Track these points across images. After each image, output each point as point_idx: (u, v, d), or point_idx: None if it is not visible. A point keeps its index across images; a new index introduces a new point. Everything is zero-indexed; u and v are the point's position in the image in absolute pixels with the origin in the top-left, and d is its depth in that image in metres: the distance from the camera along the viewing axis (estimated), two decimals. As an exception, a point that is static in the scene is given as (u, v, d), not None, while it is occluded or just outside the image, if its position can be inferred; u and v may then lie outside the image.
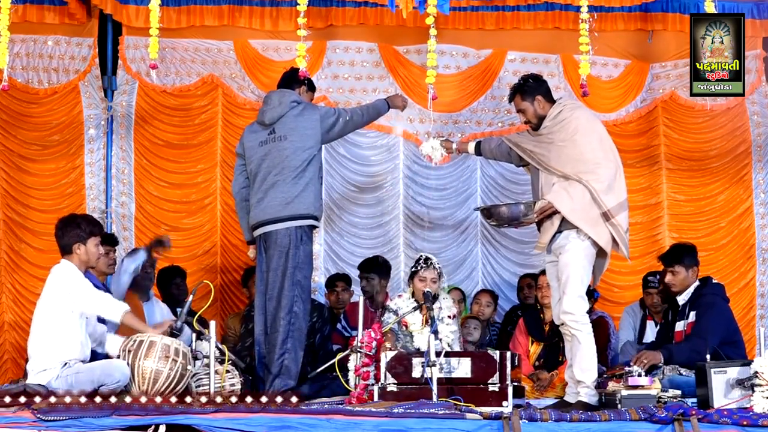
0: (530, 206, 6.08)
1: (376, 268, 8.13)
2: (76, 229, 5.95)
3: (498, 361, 5.92)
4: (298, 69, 6.59)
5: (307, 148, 6.44)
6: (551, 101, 6.17)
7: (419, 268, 6.91)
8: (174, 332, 5.96)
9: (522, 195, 8.54)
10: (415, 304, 6.87)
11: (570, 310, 5.90)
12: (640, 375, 5.69)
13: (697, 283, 6.64)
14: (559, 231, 5.99)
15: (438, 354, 5.75)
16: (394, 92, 9.05)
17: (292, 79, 6.68)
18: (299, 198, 6.38)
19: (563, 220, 5.96)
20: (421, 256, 7.02)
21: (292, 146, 6.42)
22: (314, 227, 6.55)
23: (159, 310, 7.35)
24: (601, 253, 6.03)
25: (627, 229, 6.01)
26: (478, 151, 6.66)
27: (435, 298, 6.78)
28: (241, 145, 6.75)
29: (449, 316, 6.90)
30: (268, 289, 6.40)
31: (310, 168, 6.43)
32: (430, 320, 6.44)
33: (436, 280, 6.88)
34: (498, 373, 5.89)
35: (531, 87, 6.17)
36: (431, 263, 6.90)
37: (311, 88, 6.83)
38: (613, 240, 5.97)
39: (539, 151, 6.10)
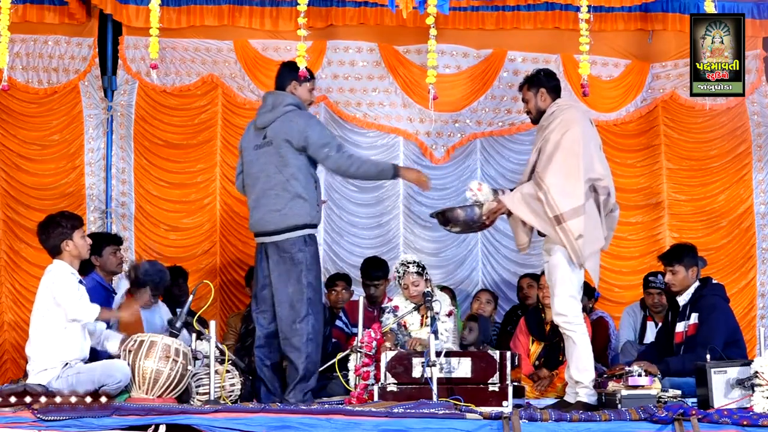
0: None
1: (382, 272, 8.10)
2: (58, 227, 5.94)
3: (498, 361, 5.92)
4: (289, 63, 6.47)
5: (293, 155, 6.23)
6: (554, 98, 6.17)
7: (399, 277, 6.94)
8: (173, 333, 5.97)
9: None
10: (413, 305, 6.88)
11: (561, 312, 5.87)
12: (640, 375, 5.68)
13: (697, 283, 6.63)
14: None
15: (438, 354, 5.75)
16: (394, 92, 9.07)
17: (283, 77, 6.48)
18: (292, 209, 6.21)
19: None
20: (397, 263, 7.03)
21: (278, 153, 6.24)
22: (313, 234, 6.39)
23: (159, 314, 7.32)
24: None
25: (581, 234, 5.78)
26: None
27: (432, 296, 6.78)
28: (241, 143, 6.64)
29: (447, 314, 6.90)
30: (276, 294, 6.27)
31: (300, 177, 6.23)
32: (430, 320, 6.44)
33: (418, 282, 6.88)
34: (498, 373, 5.89)
35: (539, 79, 6.19)
36: (407, 269, 6.90)
37: (309, 78, 6.51)
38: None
39: (532, 158, 6.14)
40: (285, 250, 6.24)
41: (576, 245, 5.79)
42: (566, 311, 5.86)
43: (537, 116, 6.18)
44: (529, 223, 5.93)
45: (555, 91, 6.19)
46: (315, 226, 6.36)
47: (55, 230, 5.94)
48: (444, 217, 6.13)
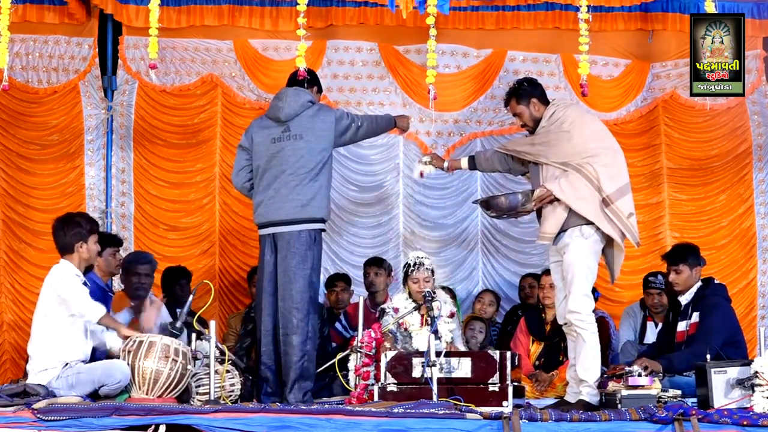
0: (528, 195, 6.11)
1: (383, 262, 8.15)
2: (77, 227, 5.94)
3: (498, 361, 5.91)
4: (310, 71, 6.55)
5: (321, 149, 6.35)
6: (546, 103, 6.20)
7: (411, 269, 6.92)
8: (173, 333, 5.96)
9: (523, 194, 8.54)
10: (414, 305, 6.87)
11: (576, 309, 5.89)
12: (640, 375, 5.68)
13: (699, 283, 6.64)
14: (563, 230, 5.98)
15: (438, 354, 5.75)
16: (394, 92, 9.08)
17: (303, 80, 6.56)
18: (314, 201, 6.30)
19: (567, 217, 5.94)
20: (412, 256, 7.03)
21: (308, 146, 6.33)
22: (321, 232, 6.46)
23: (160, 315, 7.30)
24: (611, 243, 6.01)
25: (631, 213, 5.95)
26: (473, 166, 6.62)
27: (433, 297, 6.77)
28: (248, 139, 6.57)
29: (449, 315, 6.90)
30: (279, 290, 6.31)
31: (324, 170, 6.36)
32: (430, 320, 6.44)
33: (429, 279, 6.89)
34: (498, 373, 5.89)
35: (526, 90, 6.20)
36: (422, 264, 6.90)
37: (320, 90, 6.78)
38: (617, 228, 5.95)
39: (535, 150, 6.13)
40: (297, 245, 6.27)
41: (628, 224, 5.91)
42: (580, 308, 5.89)
43: (534, 126, 6.19)
44: (576, 209, 5.90)
45: (544, 96, 6.24)
46: (326, 221, 6.46)
47: (73, 229, 5.93)
48: (487, 204, 6.34)
